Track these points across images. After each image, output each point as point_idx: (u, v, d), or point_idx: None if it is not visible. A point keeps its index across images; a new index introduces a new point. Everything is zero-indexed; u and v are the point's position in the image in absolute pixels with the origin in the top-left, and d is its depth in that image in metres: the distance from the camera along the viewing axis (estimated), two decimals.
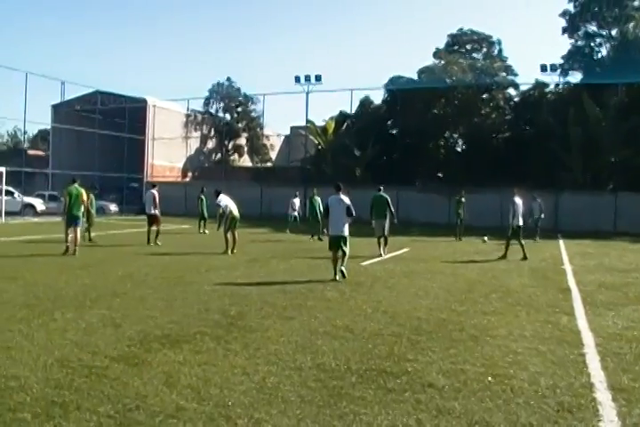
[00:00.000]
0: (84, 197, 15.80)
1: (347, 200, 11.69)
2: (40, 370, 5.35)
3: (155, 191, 18.40)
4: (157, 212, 18.25)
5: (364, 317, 7.98)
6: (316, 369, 5.56)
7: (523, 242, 16.29)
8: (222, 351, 6.10)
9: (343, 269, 11.62)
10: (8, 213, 29.82)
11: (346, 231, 11.70)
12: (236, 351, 6.10)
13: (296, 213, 25.59)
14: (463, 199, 23.34)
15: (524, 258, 15.79)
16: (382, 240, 16.23)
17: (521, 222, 16.29)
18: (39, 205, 33.59)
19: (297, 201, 25.95)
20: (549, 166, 31.92)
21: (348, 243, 11.80)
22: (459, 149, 39.68)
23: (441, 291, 10.42)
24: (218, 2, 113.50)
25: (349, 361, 5.83)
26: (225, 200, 16.31)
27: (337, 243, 11.68)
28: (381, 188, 16.64)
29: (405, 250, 17.90)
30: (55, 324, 7.16)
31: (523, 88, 38.41)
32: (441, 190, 32.69)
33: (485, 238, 21.55)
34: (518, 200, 16.37)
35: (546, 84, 37.19)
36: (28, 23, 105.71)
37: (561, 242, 22.97)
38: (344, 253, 11.73)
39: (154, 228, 18.00)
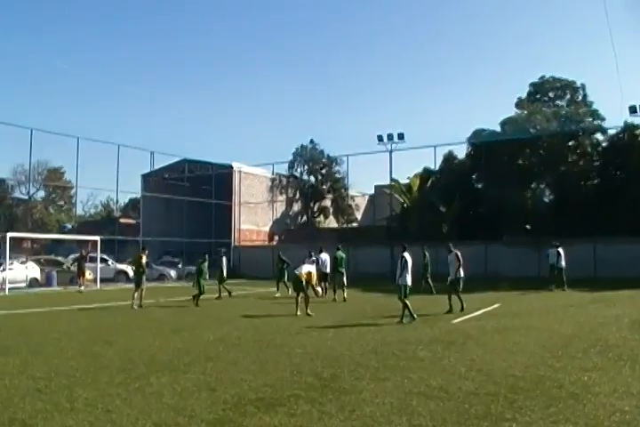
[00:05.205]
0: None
1: (409, 258, 14.25)
2: None
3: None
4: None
5: (459, 376, 7.84)
6: None
7: (460, 296, 15.80)
8: (317, 414, 6.11)
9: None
10: (103, 280, 31.19)
11: (409, 282, 14.11)
12: (330, 414, 6.10)
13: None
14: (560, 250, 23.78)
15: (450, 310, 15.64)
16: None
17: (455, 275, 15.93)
18: (131, 271, 34.76)
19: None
20: None
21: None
22: (546, 200, 38.65)
23: (536, 347, 10.12)
24: (296, 67, 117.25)
25: (446, 422, 5.73)
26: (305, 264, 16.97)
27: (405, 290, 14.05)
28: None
29: (497, 305, 17.46)
30: (151, 388, 7.36)
31: (611, 132, 36.48)
32: (529, 243, 31.92)
33: None
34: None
35: (636, 127, 34.79)
36: (119, 96, 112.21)
37: None
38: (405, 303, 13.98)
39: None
